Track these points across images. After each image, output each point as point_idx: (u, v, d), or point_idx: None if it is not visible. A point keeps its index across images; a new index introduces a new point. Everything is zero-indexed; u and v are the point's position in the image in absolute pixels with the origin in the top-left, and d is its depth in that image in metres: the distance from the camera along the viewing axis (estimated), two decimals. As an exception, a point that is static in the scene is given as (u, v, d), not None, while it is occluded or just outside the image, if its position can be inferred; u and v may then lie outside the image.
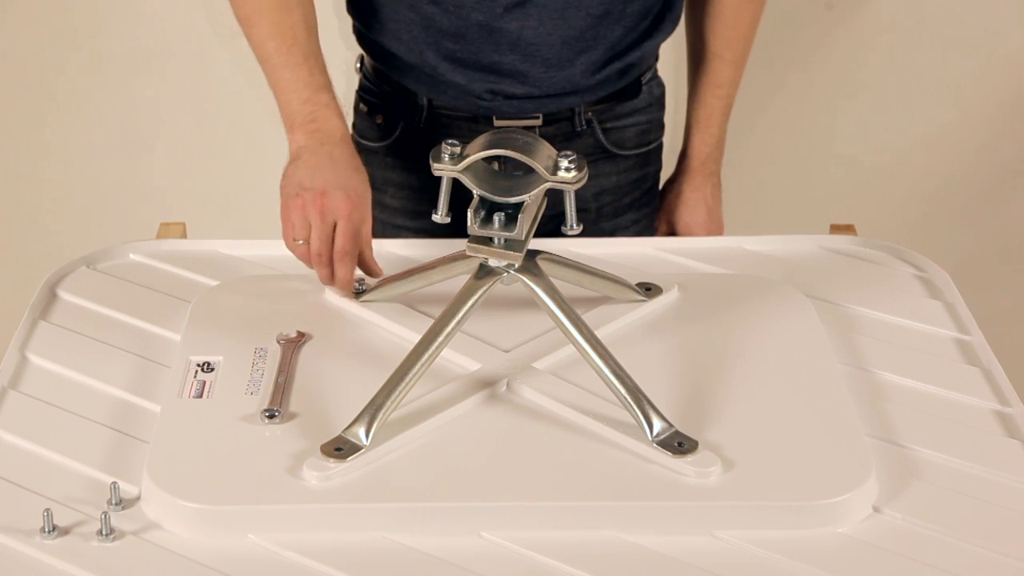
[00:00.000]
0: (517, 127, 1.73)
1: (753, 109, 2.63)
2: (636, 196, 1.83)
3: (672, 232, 1.87)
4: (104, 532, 1.22)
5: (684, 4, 1.79)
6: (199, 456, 1.30)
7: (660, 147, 1.87)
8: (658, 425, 1.30)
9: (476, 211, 1.34)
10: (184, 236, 1.73)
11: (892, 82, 2.57)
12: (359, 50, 1.83)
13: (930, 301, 1.58)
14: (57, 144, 2.70)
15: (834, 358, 1.44)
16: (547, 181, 1.32)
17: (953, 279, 1.59)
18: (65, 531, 1.22)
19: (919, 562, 1.21)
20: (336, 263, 1.52)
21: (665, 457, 1.28)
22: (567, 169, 1.31)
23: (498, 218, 1.33)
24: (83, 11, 2.59)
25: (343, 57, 1.96)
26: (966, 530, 1.24)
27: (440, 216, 1.37)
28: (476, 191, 1.34)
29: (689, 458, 1.28)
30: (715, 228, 1.87)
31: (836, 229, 1.72)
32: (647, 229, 1.86)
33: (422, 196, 1.78)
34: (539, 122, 1.73)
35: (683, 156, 1.87)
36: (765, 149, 2.67)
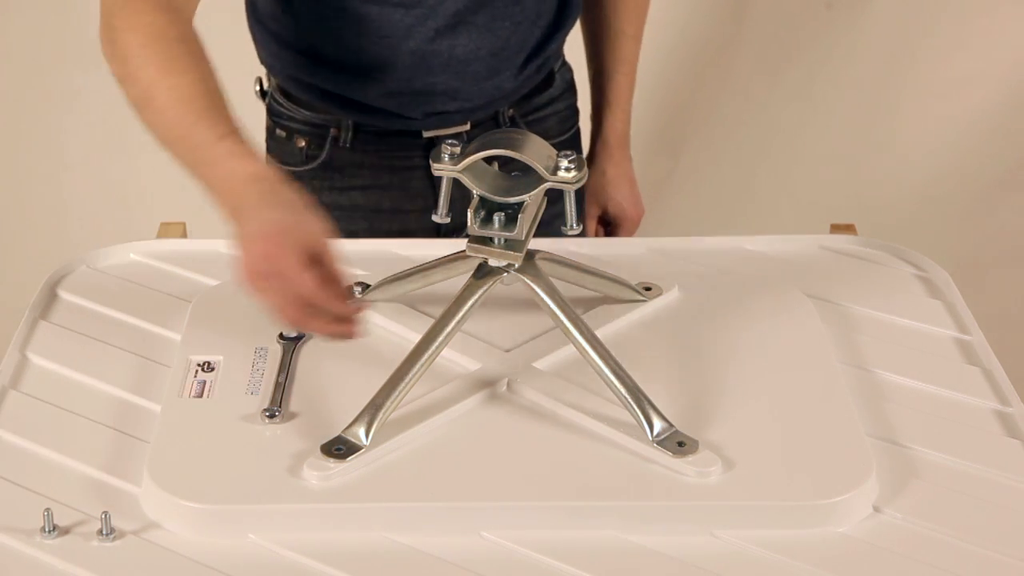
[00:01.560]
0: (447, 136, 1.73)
1: (753, 109, 2.63)
2: None
3: (604, 213, 1.90)
4: (104, 532, 1.22)
5: None
6: (199, 456, 1.30)
7: (579, 132, 1.88)
8: (658, 425, 1.30)
9: (476, 211, 1.34)
10: (184, 236, 1.73)
11: (892, 82, 2.58)
12: (253, 71, 1.81)
13: (930, 301, 1.58)
14: (57, 144, 2.70)
15: (834, 358, 1.44)
16: (547, 181, 1.32)
17: (953, 279, 1.59)
18: (65, 531, 1.22)
19: (919, 562, 1.21)
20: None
21: (665, 457, 1.28)
22: (567, 169, 1.31)
23: (498, 218, 1.34)
24: (83, 10, 2.59)
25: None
26: (966, 530, 1.24)
27: (440, 216, 1.37)
28: (476, 191, 1.34)
29: (689, 458, 1.28)
30: (638, 202, 1.91)
31: (836, 229, 1.72)
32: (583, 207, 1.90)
33: (355, 215, 1.77)
34: (467, 127, 1.73)
35: (597, 136, 1.88)
36: (765, 149, 2.67)
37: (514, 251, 1.34)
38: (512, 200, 1.33)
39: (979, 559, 1.21)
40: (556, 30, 1.75)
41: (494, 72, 1.71)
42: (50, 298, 1.56)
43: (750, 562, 1.21)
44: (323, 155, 1.76)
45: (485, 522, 1.24)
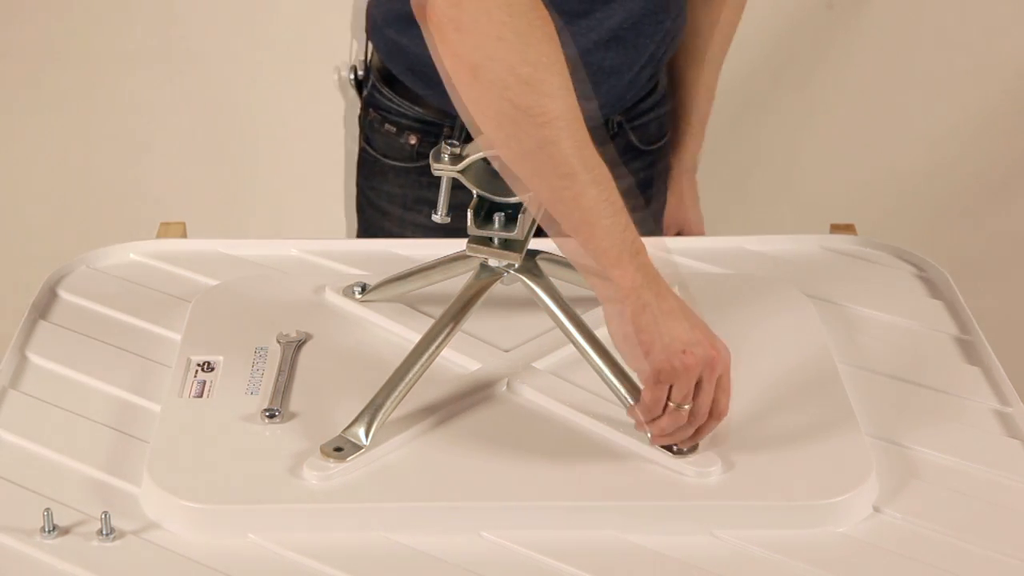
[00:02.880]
0: None
1: (753, 109, 2.63)
2: (659, 187, 1.88)
3: (679, 233, 1.94)
4: (104, 532, 1.22)
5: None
6: (199, 456, 1.30)
7: (669, 139, 1.89)
8: (658, 425, 1.30)
9: (476, 211, 1.34)
10: (184, 236, 1.73)
11: (892, 82, 2.57)
12: (348, 57, 1.82)
13: (930, 301, 1.58)
14: (57, 144, 2.70)
15: (834, 358, 1.44)
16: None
17: (953, 279, 1.59)
18: (65, 531, 1.22)
19: (919, 562, 1.21)
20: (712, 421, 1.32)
21: (665, 457, 1.28)
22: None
23: (498, 218, 1.34)
24: (83, 11, 2.59)
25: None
26: (966, 530, 1.24)
27: (440, 216, 1.37)
28: (476, 191, 1.34)
29: (689, 458, 1.28)
30: (702, 222, 1.97)
31: (836, 229, 1.72)
32: (661, 220, 1.92)
33: (461, 213, 1.76)
34: None
35: (675, 160, 1.91)
36: (766, 149, 2.67)
37: (514, 251, 1.34)
38: (512, 200, 1.33)
39: (979, 559, 1.21)
40: (671, 44, 1.78)
41: (629, 87, 1.73)
42: (50, 298, 1.56)
43: (750, 562, 1.21)
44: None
45: (485, 522, 1.24)
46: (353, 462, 1.27)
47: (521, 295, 1.38)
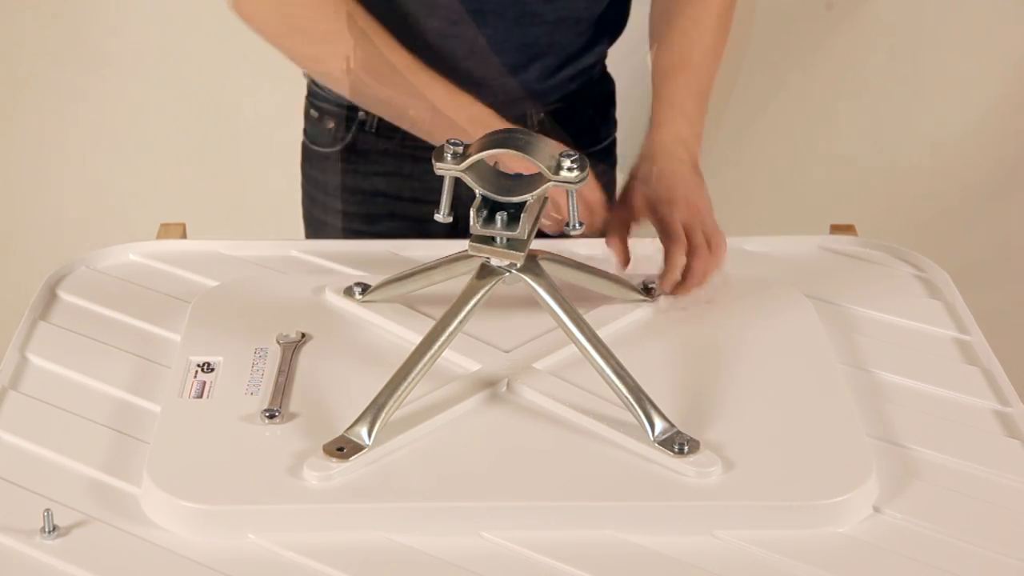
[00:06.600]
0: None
1: (753, 109, 2.63)
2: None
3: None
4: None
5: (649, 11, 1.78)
6: (199, 456, 1.30)
7: (614, 143, 1.88)
8: (660, 425, 1.30)
9: (478, 210, 1.34)
10: (184, 236, 1.73)
11: (892, 82, 2.58)
12: None
13: (930, 301, 1.58)
14: (57, 144, 2.70)
15: (834, 358, 1.44)
16: (549, 181, 1.32)
17: (953, 279, 1.59)
18: (65, 531, 1.22)
19: (919, 562, 1.21)
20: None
21: (665, 457, 1.28)
22: (569, 168, 1.31)
23: (500, 217, 1.33)
24: (83, 11, 2.59)
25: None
26: (966, 530, 1.24)
27: (442, 216, 1.37)
28: (478, 191, 1.34)
29: (690, 458, 1.28)
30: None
31: (836, 229, 1.72)
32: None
33: (376, 200, 1.78)
34: None
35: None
36: (765, 149, 2.67)
37: (516, 251, 1.34)
38: (515, 200, 1.33)
39: (979, 559, 1.21)
40: (595, 44, 1.76)
41: (520, 69, 1.71)
42: (50, 298, 1.56)
43: (750, 562, 1.21)
44: (349, 138, 1.78)
45: (485, 522, 1.24)
46: (354, 462, 1.27)
47: (521, 295, 1.38)
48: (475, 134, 1.40)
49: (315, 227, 1.90)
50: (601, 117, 1.85)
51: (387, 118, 1.71)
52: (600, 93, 1.83)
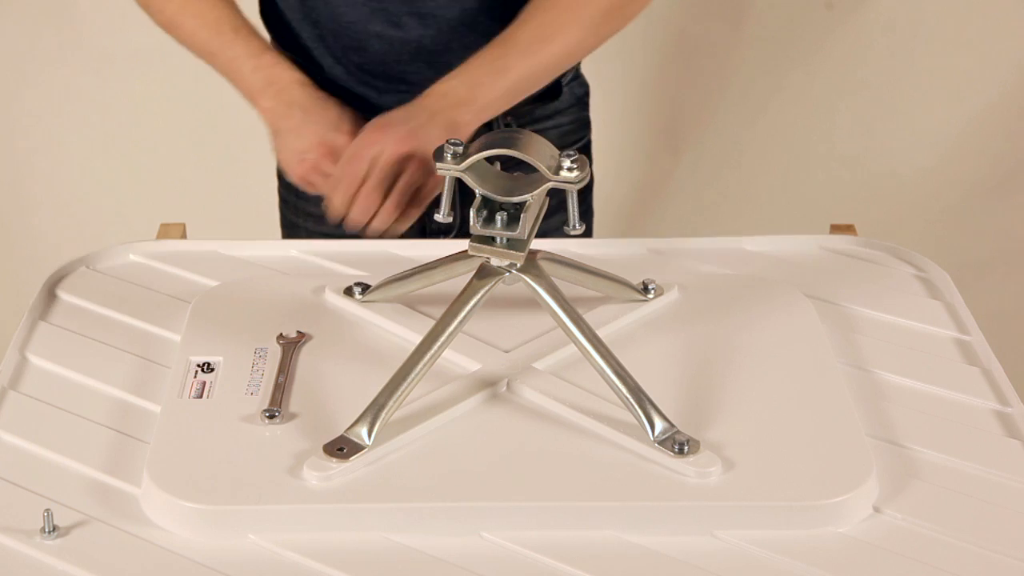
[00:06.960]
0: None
1: (753, 109, 2.64)
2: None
3: None
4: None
5: None
6: (199, 456, 1.30)
7: (588, 145, 1.87)
8: (660, 425, 1.30)
9: (478, 211, 1.34)
10: (184, 236, 1.73)
11: (892, 82, 2.58)
12: None
13: (930, 301, 1.58)
14: (57, 144, 2.70)
15: (834, 358, 1.44)
16: (549, 181, 1.32)
17: (953, 279, 1.59)
18: (65, 531, 1.23)
19: (919, 562, 1.21)
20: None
21: (665, 457, 1.28)
22: (569, 168, 1.31)
23: (500, 217, 1.33)
24: (83, 10, 2.59)
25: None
26: (966, 530, 1.24)
27: (443, 215, 1.37)
28: (478, 190, 1.34)
29: (690, 458, 1.28)
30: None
31: (836, 229, 1.72)
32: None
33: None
34: None
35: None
36: (765, 149, 2.68)
37: (516, 251, 1.34)
38: (514, 200, 1.33)
39: (979, 559, 1.21)
40: None
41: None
42: (49, 299, 1.56)
43: (750, 562, 1.21)
44: None
45: (485, 522, 1.24)
46: (354, 462, 1.27)
47: (520, 295, 1.38)
48: (269, 95, 1.65)
49: (289, 230, 1.91)
50: (570, 120, 1.84)
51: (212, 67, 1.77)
52: (571, 95, 1.82)
